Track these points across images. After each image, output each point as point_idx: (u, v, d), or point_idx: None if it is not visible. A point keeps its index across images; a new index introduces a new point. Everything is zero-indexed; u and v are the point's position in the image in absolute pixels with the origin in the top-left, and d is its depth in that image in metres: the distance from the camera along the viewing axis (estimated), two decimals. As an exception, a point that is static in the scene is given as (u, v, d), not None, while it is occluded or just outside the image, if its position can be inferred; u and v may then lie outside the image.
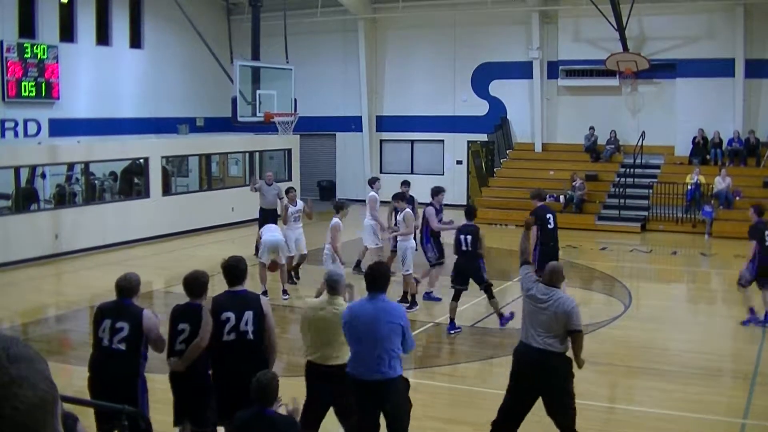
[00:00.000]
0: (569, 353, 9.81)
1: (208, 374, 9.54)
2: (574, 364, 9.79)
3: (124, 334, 9.21)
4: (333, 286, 9.76)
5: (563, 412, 9.80)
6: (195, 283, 9.77)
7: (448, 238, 19.28)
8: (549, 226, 17.83)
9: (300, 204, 21.79)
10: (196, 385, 9.49)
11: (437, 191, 20.41)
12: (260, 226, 23.96)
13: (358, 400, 9.05)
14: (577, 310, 9.81)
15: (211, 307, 9.46)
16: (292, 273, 21.53)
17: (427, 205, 20.21)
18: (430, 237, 19.97)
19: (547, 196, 20.90)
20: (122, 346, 9.19)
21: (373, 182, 25.30)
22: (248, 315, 9.33)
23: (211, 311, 9.40)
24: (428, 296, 19.97)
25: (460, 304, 16.90)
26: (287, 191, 22.19)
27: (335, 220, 18.95)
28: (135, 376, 9.24)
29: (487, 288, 16.77)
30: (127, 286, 9.62)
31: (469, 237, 16.77)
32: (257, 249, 20.70)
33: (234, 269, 9.75)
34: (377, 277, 9.13)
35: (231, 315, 9.31)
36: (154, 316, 9.55)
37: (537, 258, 18.05)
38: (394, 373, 8.84)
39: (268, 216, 24.42)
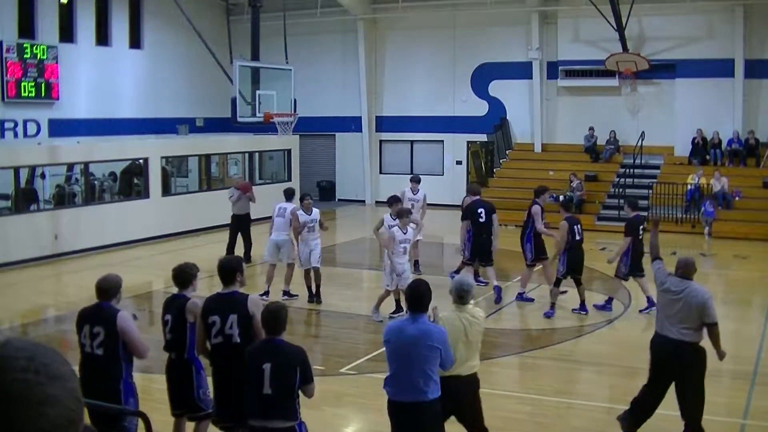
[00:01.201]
0: (704, 343, 10.25)
1: (197, 360, 9.64)
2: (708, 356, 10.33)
3: (100, 338, 9.12)
4: (462, 295, 9.43)
5: (694, 402, 10.32)
6: (181, 274, 10.01)
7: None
8: (480, 219, 19.49)
9: (316, 213, 19.62)
10: (183, 372, 9.59)
11: (543, 190, 19.94)
12: (234, 234, 24.20)
13: (394, 421, 8.89)
14: (712, 302, 10.13)
15: (201, 310, 9.41)
16: (314, 293, 19.49)
17: (532, 203, 19.59)
18: (531, 237, 19.48)
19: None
20: (100, 351, 9.09)
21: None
22: (233, 318, 9.16)
23: (201, 314, 9.37)
24: (521, 297, 19.73)
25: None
26: (302, 198, 20.20)
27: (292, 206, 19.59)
28: (116, 381, 9.07)
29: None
30: (105, 287, 9.48)
31: (579, 226, 18.25)
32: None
33: (221, 269, 9.66)
34: (421, 297, 8.80)
35: (216, 318, 9.20)
36: (130, 318, 9.39)
37: (470, 249, 19.79)
38: (430, 397, 8.63)
39: (242, 222, 24.36)
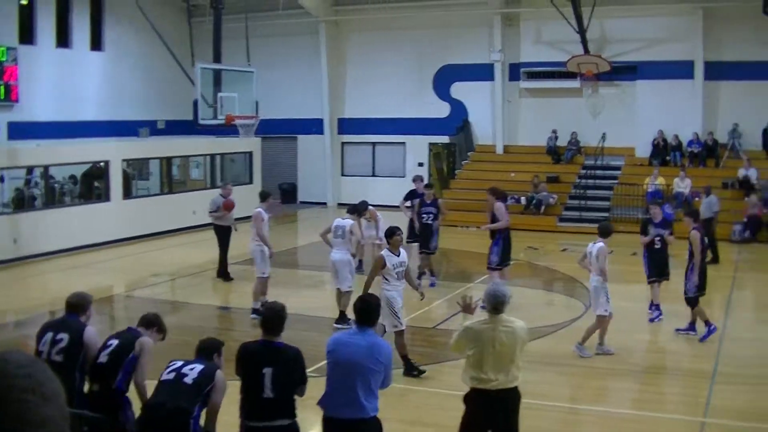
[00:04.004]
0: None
1: (123, 393, 9.12)
2: None
3: (63, 344, 9.04)
4: (497, 306, 9.02)
5: None
6: (79, 301, 9.64)
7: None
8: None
9: (347, 222, 18.33)
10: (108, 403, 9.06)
11: (502, 194, 19.98)
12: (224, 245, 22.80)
13: None
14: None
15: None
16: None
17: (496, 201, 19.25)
18: (500, 240, 19.19)
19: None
20: (59, 358, 8.98)
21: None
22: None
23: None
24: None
25: (425, 304, 17.14)
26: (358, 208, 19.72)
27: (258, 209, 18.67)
28: (69, 389, 8.75)
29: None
30: (76, 303, 9.46)
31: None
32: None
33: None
34: (371, 311, 8.62)
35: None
36: (97, 335, 9.31)
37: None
38: (371, 414, 8.26)
39: (226, 233, 22.72)
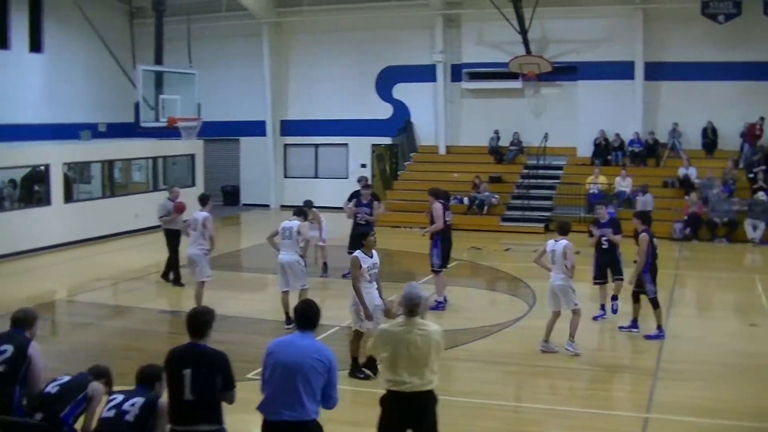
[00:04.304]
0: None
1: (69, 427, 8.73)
2: None
3: (6, 355, 8.88)
4: (412, 308, 8.89)
5: None
6: (25, 316, 9.45)
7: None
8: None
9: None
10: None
11: (444, 193, 20.16)
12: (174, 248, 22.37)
13: None
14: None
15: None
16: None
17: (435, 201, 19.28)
18: (438, 242, 19.20)
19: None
20: (1, 368, 8.85)
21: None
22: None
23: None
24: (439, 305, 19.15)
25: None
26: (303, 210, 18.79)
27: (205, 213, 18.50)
28: (8, 399, 8.81)
29: None
30: (22, 318, 9.29)
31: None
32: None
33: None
34: (312, 316, 8.46)
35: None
36: (40, 353, 9.12)
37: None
38: (312, 416, 8.11)
39: (175, 237, 22.10)
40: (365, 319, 13.71)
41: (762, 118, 32.52)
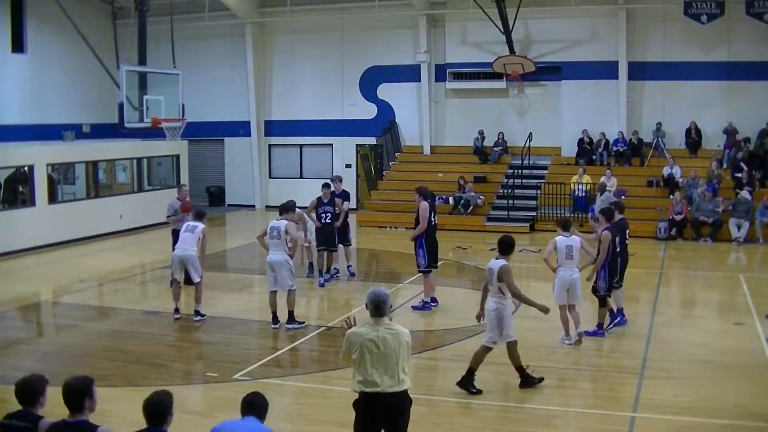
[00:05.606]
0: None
1: None
2: None
3: None
4: (379, 306, 8.85)
5: None
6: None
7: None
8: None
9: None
10: None
11: (430, 192, 20.05)
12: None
13: None
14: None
15: None
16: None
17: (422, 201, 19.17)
18: (423, 242, 19.15)
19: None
20: None
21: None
22: None
23: None
24: (425, 305, 19.29)
25: (348, 308, 17.02)
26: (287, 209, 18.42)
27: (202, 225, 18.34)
28: None
29: None
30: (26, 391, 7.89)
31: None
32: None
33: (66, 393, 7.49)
34: (255, 403, 7.97)
35: None
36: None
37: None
38: None
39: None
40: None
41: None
